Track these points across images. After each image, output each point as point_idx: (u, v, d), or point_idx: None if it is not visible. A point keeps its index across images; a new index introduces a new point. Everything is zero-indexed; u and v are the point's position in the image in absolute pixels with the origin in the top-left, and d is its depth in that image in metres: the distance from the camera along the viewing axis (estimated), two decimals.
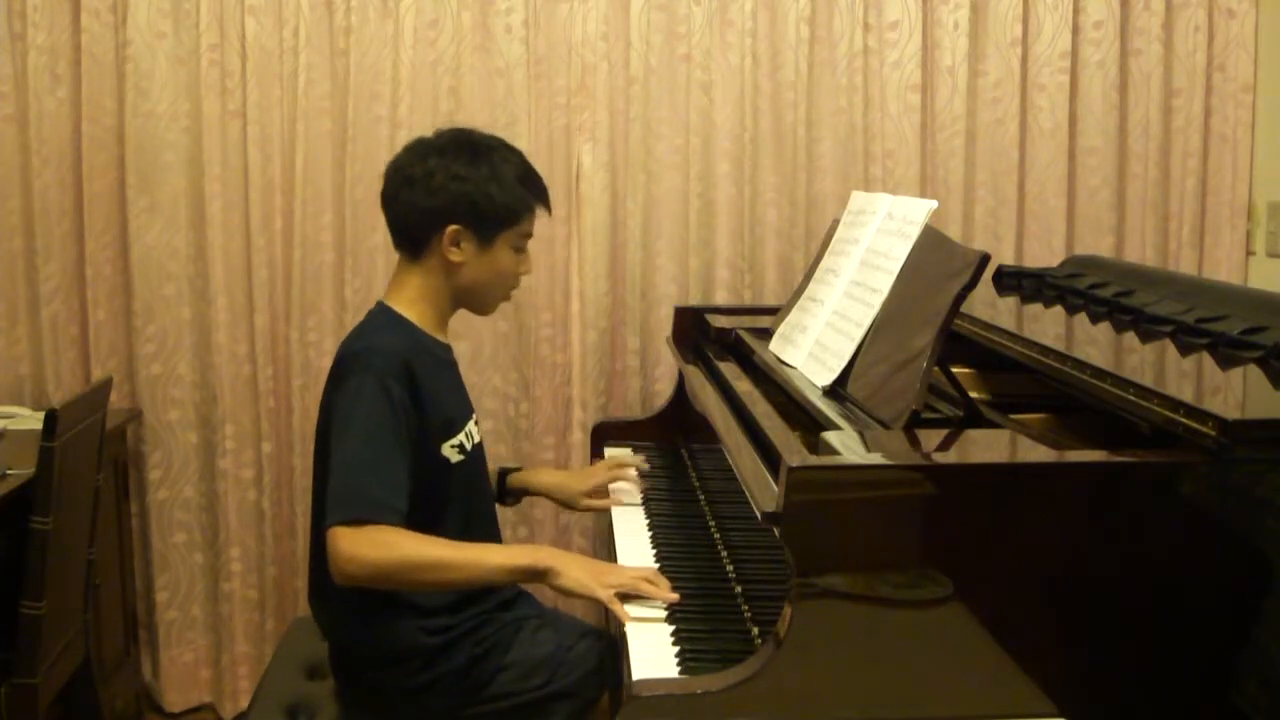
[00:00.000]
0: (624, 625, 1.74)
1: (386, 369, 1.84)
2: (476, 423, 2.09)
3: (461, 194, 1.93)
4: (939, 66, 3.02)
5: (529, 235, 2.03)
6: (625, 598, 1.80)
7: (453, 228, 1.94)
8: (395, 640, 1.90)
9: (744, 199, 3.01)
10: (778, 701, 1.45)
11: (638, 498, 2.33)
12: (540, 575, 1.84)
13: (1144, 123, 3.04)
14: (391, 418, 1.83)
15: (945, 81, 3.02)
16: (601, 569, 1.87)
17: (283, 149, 2.96)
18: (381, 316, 1.99)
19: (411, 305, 1.99)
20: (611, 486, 2.35)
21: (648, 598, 1.79)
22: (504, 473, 2.35)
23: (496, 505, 2.23)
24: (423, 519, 1.84)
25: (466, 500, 2.01)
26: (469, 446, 2.00)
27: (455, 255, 1.95)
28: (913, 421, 1.68)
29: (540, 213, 2.04)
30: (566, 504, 2.35)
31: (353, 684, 1.97)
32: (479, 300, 2.04)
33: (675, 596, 1.80)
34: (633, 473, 2.38)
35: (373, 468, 1.80)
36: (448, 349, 2.05)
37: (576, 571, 1.83)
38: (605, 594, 1.79)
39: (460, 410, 2.03)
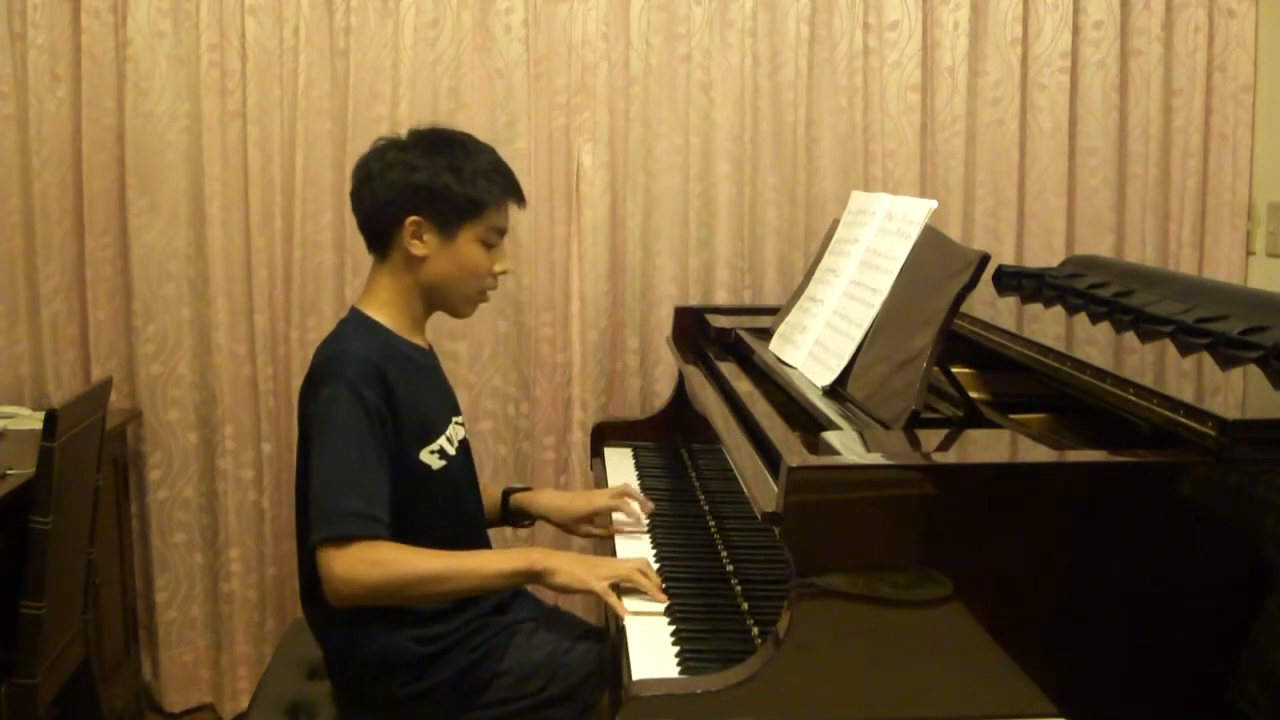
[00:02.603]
0: (622, 618, 1.75)
1: (359, 376, 1.82)
2: (462, 424, 2.06)
3: (416, 183, 1.91)
4: (939, 66, 3.02)
5: (500, 230, 1.99)
6: (622, 592, 1.80)
7: (412, 219, 1.91)
8: (388, 649, 1.89)
9: (744, 199, 3.01)
10: (778, 701, 1.45)
11: (641, 527, 2.20)
12: (536, 576, 1.85)
13: (1144, 123, 3.04)
14: (368, 426, 1.80)
15: (945, 81, 3.02)
16: (595, 563, 1.88)
17: (283, 149, 2.96)
18: (353, 322, 1.96)
19: (383, 308, 1.96)
20: (614, 516, 2.23)
21: (642, 591, 1.80)
22: (508, 493, 2.28)
23: (511, 530, 2.19)
24: (407, 528, 1.82)
25: (452, 507, 1.99)
26: (451, 451, 1.98)
27: (418, 249, 1.92)
28: (913, 421, 1.68)
29: (512, 208, 2.00)
30: (566, 528, 2.26)
31: (348, 690, 1.96)
32: (448, 298, 1.99)
33: (664, 598, 1.79)
34: (635, 507, 2.22)
35: (353, 480, 1.78)
36: (425, 351, 2.02)
37: (571, 567, 1.83)
38: (600, 586, 1.80)
39: (439, 414, 1.99)
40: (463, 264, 1.95)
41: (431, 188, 1.91)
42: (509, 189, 1.99)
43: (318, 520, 1.77)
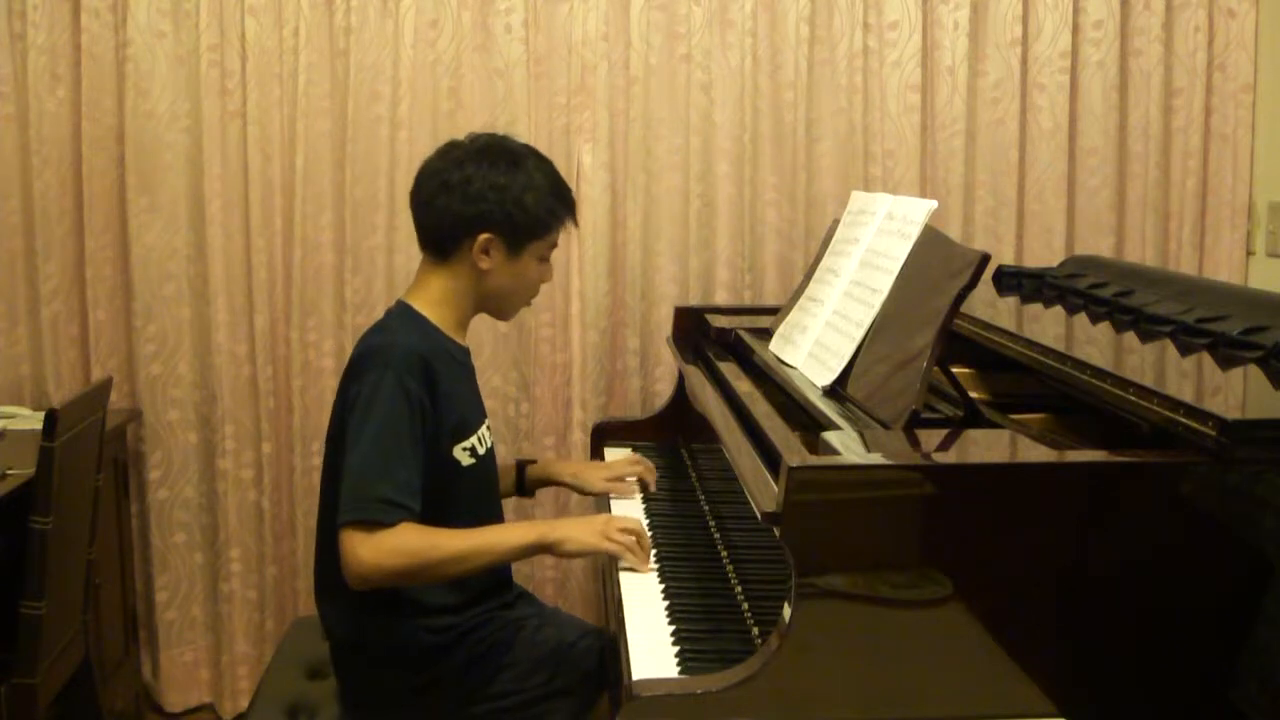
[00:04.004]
0: (641, 570, 1.90)
1: (405, 366, 1.86)
2: (489, 428, 2.10)
3: (498, 203, 1.95)
4: (939, 66, 3.02)
5: (555, 246, 2.05)
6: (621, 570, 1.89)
7: (485, 236, 1.95)
8: (398, 638, 1.92)
9: (744, 199, 3.01)
10: (778, 701, 1.45)
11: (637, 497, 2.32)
12: (548, 548, 1.90)
13: (1144, 123, 3.04)
14: (408, 416, 1.84)
15: (945, 81, 3.02)
16: (598, 526, 1.93)
17: (283, 149, 2.96)
18: (402, 315, 1.99)
19: (433, 306, 2.00)
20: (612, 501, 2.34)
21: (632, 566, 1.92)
22: (521, 465, 2.36)
23: (516, 498, 2.29)
24: (432, 522, 1.85)
25: (476, 505, 2.01)
26: (481, 451, 2.01)
27: (484, 263, 1.97)
28: (913, 421, 1.68)
29: (568, 224, 2.05)
30: (582, 489, 2.35)
31: (354, 682, 1.98)
32: (501, 307, 2.07)
33: (648, 569, 1.91)
34: (634, 485, 2.35)
35: (387, 467, 1.81)
36: (466, 352, 2.07)
37: (578, 534, 1.90)
38: (607, 545, 1.89)
39: (474, 414, 2.04)
40: (521, 278, 2.03)
41: (511, 211, 1.96)
42: (570, 209, 2.05)
43: (347, 502, 1.80)
